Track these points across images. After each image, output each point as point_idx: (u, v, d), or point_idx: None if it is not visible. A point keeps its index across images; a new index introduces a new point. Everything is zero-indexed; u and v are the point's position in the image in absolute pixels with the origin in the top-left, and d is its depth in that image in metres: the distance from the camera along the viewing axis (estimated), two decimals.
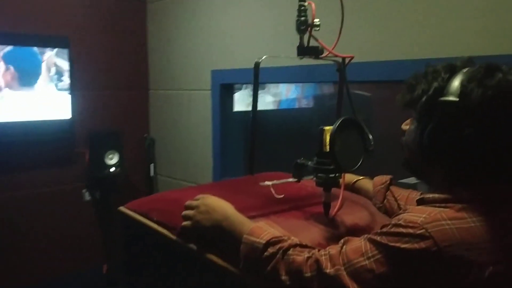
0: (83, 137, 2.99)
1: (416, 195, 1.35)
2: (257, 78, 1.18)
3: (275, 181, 1.27)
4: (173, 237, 1.24)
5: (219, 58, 2.78)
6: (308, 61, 1.33)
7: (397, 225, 0.90)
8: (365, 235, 0.97)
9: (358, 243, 0.95)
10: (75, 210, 3.05)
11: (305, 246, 1.03)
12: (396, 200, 1.37)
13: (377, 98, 3.07)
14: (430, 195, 0.96)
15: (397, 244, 0.88)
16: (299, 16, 1.23)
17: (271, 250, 1.02)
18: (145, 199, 1.45)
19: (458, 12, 1.75)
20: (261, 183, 1.25)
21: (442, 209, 0.91)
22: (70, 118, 2.84)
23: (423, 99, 0.97)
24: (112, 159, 3.02)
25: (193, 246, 1.19)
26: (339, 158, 1.14)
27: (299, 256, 0.99)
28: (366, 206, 1.38)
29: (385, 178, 1.42)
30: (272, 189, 1.26)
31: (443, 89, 0.94)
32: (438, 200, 0.94)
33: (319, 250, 1.00)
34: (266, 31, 2.49)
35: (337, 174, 1.21)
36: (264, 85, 2.86)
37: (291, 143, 3.12)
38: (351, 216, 1.30)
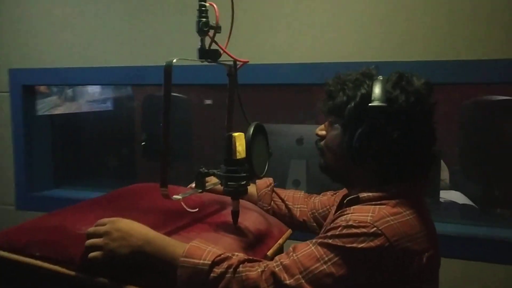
0: None
1: (300, 194, 1.43)
2: (170, 81, 1.07)
3: (183, 194, 1.18)
4: (72, 272, 1.03)
5: (19, 55, 2.39)
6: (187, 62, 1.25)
7: (348, 226, 0.94)
8: (312, 240, 0.98)
9: (309, 249, 0.95)
10: None
11: (253, 260, 0.98)
12: (283, 201, 1.42)
13: (195, 100, 3.10)
14: (365, 194, 1.03)
15: (354, 245, 0.92)
16: (200, 17, 1.16)
17: (218, 270, 0.95)
18: (9, 232, 1.16)
19: (340, 20, 1.93)
20: (174, 197, 1.13)
21: (379, 206, 0.99)
22: None
23: (351, 105, 1.03)
24: None
25: (103, 280, 1.01)
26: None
27: (252, 272, 0.94)
28: (256, 210, 1.38)
29: (269, 180, 1.45)
30: (183, 204, 1.16)
31: (369, 95, 1.01)
32: (373, 198, 1.01)
33: (264, 263, 0.98)
34: (79, 25, 2.27)
35: (246, 182, 1.18)
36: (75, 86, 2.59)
37: (105, 146, 2.92)
38: (250, 222, 1.29)
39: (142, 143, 2.98)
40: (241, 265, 0.96)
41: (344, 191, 1.29)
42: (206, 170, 1.21)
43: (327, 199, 1.38)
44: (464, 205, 2.45)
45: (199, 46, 1.18)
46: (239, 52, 1.21)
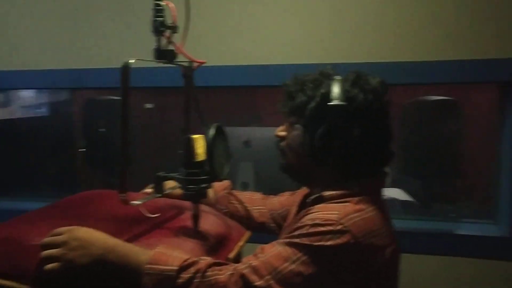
0: None
1: (257, 195, 1.43)
2: (128, 83, 1.03)
3: (142, 199, 1.14)
4: (25, 287, 0.97)
5: None
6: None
7: (315, 225, 0.95)
8: (279, 241, 0.98)
9: (277, 250, 0.95)
10: None
11: (221, 264, 0.97)
12: (241, 203, 1.41)
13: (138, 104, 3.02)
14: (328, 193, 1.04)
15: (321, 243, 0.93)
16: (156, 16, 1.13)
17: (186, 275, 0.92)
18: None
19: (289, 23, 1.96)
20: (133, 203, 1.09)
21: (342, 204, 1.00)
22: None
23: (311, 105, 1.04)
24: None
25: None
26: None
27: (221, 275, 0.93)
28: (214, 213, 1.36)
29: (226, 183, 1.44)
30: (142, 210, 1.12)
31: (329, 95, 1.03)
32: (336, 196, 1.03)
33: (231, 266, 0.97)
34: (13, 26, 2.15)
35: (206, 185, 1.16)
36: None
37: (43, 154, 2.78)
38: (210, 225, 1.27)
39: (82, 150, 2.88)
40: (209, 269, 0.94)
41: (303, 190, 1.30)
42: (164, 174, 1.18)
43: (286, 199, 1.38)
44: (404, 201, 2.56)
45: (155, 47, 1.16)
46: (196, 54, 1.20)
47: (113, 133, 2.75)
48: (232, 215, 1.40)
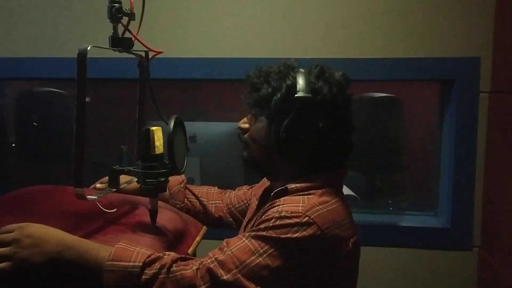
0: None
1: (213, 189, 1.40)
2: (84, 71, 0.97)
3: (97, 193, 1.08)
4: None
5: None
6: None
7: (281, 217, 0.94)
8: (245, 234, 0.96)
9: (243, 243, 0.94)
10: None
11: (186, 259, 0.94)
12: (197, 197, 1.38)
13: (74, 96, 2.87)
14: (293, 185, 1.03)
15: (288, 235, 0.92)
16: (112, 2, 1.08)
17: (150, 271, 0.89)
18: None
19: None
20: (89, 197, 1.03)
21: (307, 196, 1.00)
22: None
23: (277, 96, 1.03)
24: None
25: None
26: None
27: (186, 270, 0.90)
28: (169, 209, 1.32)
29: (181, 178, 1.40)
30: (99, 205, 1.06)
31: (295, 86, 1.02)
32: (300, 189, 1.02)
33: (197, 260, 0.94)
34: None
35: (164, 178, 1.12)
36: None
37: None
38: (166, 220, 1.23)
39: (13, 144, 2.72)
40: (174, 264, 0.91)
41: (262, 184, 1.29)
42: (120, 168, 1.13)
43: (243, 193, 1.37)
44: (347, 195, 2.61)
45: (112, 34, 1.10)
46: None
47: (47, 127, 2.63)
48: (188, 210, 1.37)
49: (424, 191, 2.37)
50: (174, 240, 1.17)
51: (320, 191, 1.02)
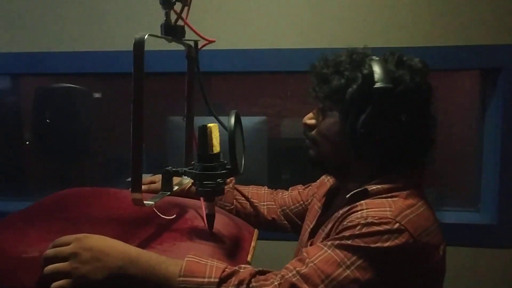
0: None
1: (264, 190, 1.30)
2: (142, 63, 0.87)
3: (153, 198, 0.98)
4: None
5: None
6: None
7: (368, 224, 0.84)
8: (327, 243, 0.86)
9: (327, 254, 0.84)
10: None
11: (264, 272, 0.84)
12: (247, 199, 1.28)
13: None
14: (374, 187, 0.93)
15: (378, 244, 0.82)
16: None
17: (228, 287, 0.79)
18: None
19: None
20: (146, 203, 0.94)
21: (390, 199, 0.90)
22: None
23: (352, 88, 0.92)
24: None
25: None
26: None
27: (267, 286, 0.81)
28: (220, 211, 1.22)
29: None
30: (156, 210, 0.97)
31: (372, 76, 0.92)
32: (382, 191, 0.92)
33: (276, 274, 0.84)
34: None
35: (223, 180, 1.02)
36: None
37: None
38: (220, 224, 1.13)
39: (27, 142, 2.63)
40: (253, 280, 0.81)
41: (322, 184, 1.19)
42: (174, 169, 1.03)
43: (298, 193, 1.27)
44: None
45: (164, 21, 1.00)
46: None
47: (64, 124, 2.53)
48: (238, 212, 1.27)
49: (462, 186, 2.27)
50: (232, 246, 1.07)
51: (404, 193, 0.92)
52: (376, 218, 0.84)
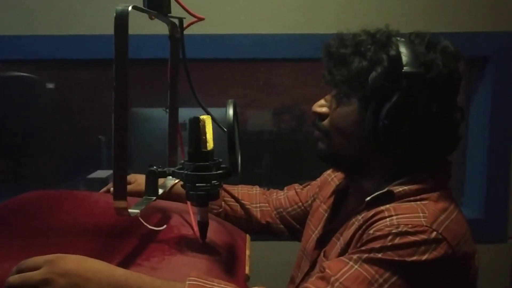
0: None
1: (255, 190, 1.17)
2: (126, 40, 0.71)
3: (136, 206, 0.82)
4: None
5: None
6: None
7: (402, 234, 0.71)
8: (352, 256, 0.73)
9: (354, 270, 0.71)
10: None
11: None
12: (237, 200, 1.13)
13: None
14: (400, 188, 0.80)
15: (415, 258, 0.70)
16: None
17: None
18: None
19: None
20: (131, 211, 0.77)
21: (420, 202, 0.78)
22: None
23: (376, 71, 0.79)
24: None
25: None
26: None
27: None
28: None
29: None
30: (142, 221, 0.80)
31: (400, 59, 0.79)
32: (410, 192, 0.80)
33: None
34: None
35: (219, 182, 0.87)
36: None
37: None
38: (211, 232, 0.98)
39: None
40: None
41: (324, 183, 1.06)
42: (160, 169, 0.87)
43: (295, 194, 1.13)
44: None
45: None
46: None
47: (15, 116, 2.31)
48: (227, 216, 1.12)
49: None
50: (227, 258, 0.93)
51: (434, 194, 0.80)
52: (410, 226, 0.71)
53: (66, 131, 2.67)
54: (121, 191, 0.73)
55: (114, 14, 0.69)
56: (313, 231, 0.98)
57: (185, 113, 2.21)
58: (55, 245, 0.80)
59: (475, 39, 1.73)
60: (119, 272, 0.67)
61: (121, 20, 0.70)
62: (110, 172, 2.32)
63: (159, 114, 2.25)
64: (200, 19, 0.93)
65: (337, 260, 0.74)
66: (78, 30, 1.72)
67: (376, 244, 0.72)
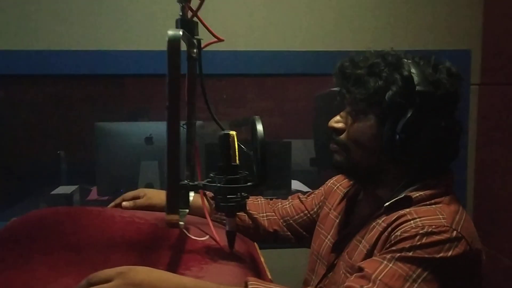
0: None
1: (259, 200, 1.23)
2: (178, 62, 0.75)
3: (183, 219, 0.86)
4: None
5: None
6: None
7: (428, 234, 0.80)
8: (384, 256, 0.81)
9: (390, 268, 0.79)
10: None
11: None
12: (245, 210, 1.18)
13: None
14: (417, 194, 0.89)
15: (442, 254, 0.79)
16: None
17: None
18: None
19: None
20: (181, 224, 0.81)
21: (435, 205, 0.88)
22: None
23: (392, 90, 0.88)
24: None
25: None
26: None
27: None
28: (217, 226, 1.12)
29: None
30: (185, 232, 0.84)
31: (412, 79, 0.89)
32: (425, 197, 0.89)
33: None
34: None
35: (247, 194, 0.92)
36: None
37: None
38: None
39: None
40: None
41: (329, 191, 1.14)
42: (192, 183, 0.92)
43: (300, 202, 1.20)
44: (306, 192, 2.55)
45: (180, 16, 0.88)
46: None
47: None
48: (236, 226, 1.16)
49: None
50: (252, 265, 0.99)
51: (446, 198, 0.90)
52: (434, 227, 0.81)
53: (23, 146, 2.59)
54: (174, 206, 0.77)
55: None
56: (325, 236, 1.06)
57: (148, 127, 2.22)
58: (96, 258, 0.82)
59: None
60: (186, 280, 0.71)
61: (174, 43, 0.75)
62: (74, 187, 2.26)
63: (124, 128, 2.26)
64: (220, 40, 0.99)
65: (371, 261, 0.82)
66: (37, 45, 1.68)
67: (406, 244, 0.80)
